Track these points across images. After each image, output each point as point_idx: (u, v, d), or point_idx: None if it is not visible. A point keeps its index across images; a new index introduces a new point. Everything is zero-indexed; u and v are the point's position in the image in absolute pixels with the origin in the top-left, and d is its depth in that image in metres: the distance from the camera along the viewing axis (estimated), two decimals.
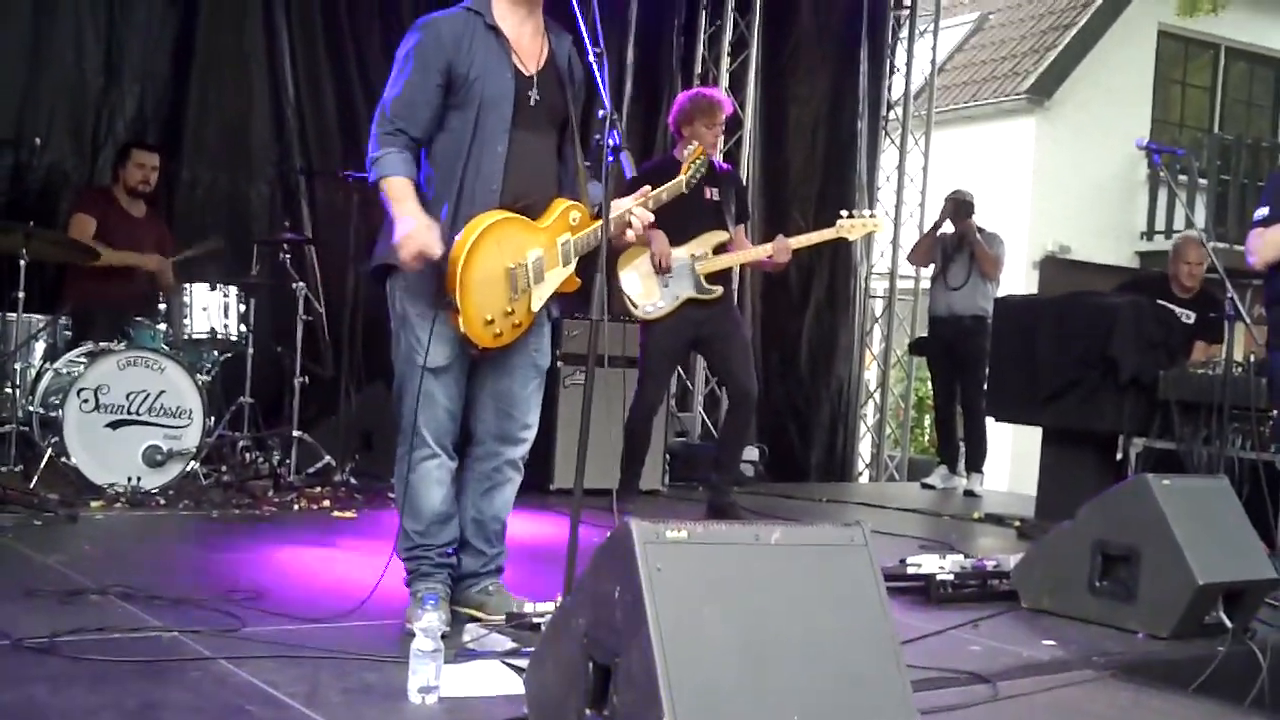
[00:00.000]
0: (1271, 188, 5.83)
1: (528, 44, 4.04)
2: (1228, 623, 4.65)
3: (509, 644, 3.69)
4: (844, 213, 6.59)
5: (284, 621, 3.97)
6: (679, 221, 6.34)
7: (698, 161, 4.50)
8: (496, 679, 3.39)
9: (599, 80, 3.74)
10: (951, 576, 5.11)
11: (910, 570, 5.16)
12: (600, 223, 3.74)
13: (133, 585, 4.23)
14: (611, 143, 3.66)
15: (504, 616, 3.99)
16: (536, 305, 4.01)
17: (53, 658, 3.40)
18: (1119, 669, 4.24)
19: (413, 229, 3.80)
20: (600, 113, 3.71)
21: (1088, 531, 4.94)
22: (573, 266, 4.06)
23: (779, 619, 2.69)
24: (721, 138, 9.40)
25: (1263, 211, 5.57)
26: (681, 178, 4.41)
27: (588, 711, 2.75)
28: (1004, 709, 3.72)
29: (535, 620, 3.87)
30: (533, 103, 3.99)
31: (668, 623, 2.57)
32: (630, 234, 4.14)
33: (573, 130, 4.13)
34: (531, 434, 4.27)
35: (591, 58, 3.77)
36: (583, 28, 3.79)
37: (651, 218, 4.16)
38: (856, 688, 2.68)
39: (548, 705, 2.97)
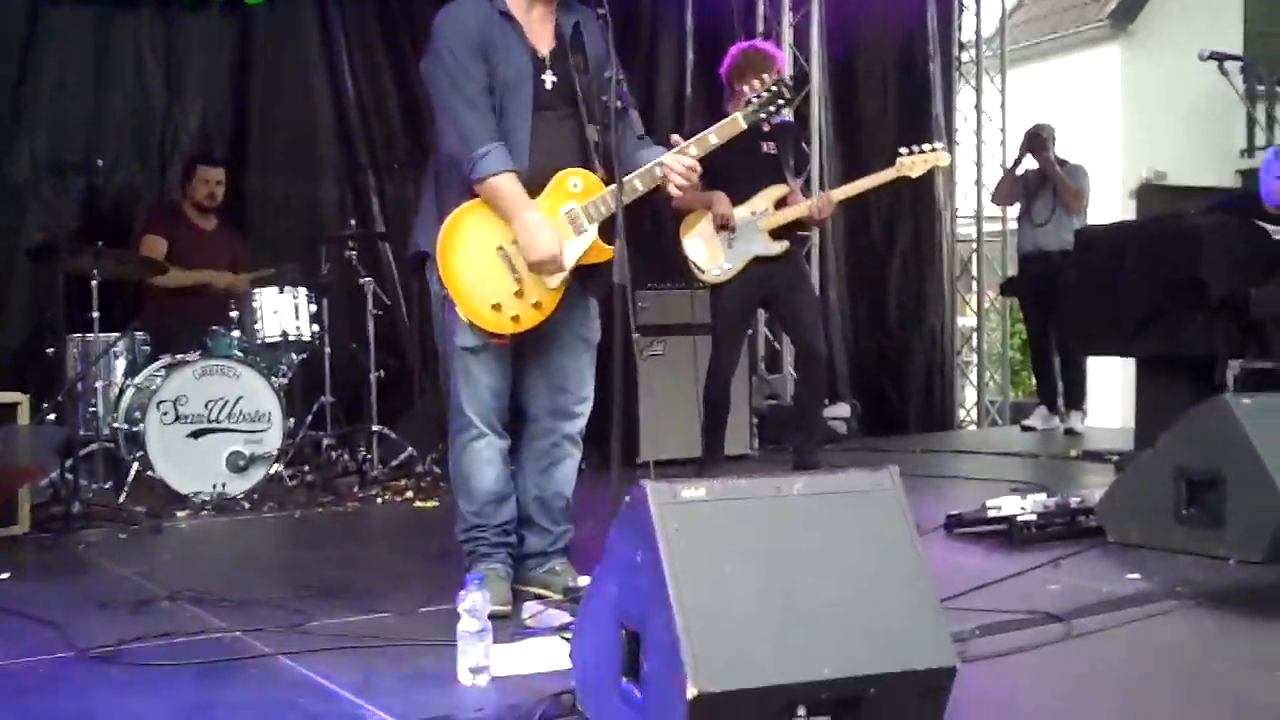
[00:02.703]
0: None
1: (537, 27, 4.03)
2: None
3: (566, 618, 3.66)
4: (903, 150, 6.34)
5: (349, 614, 3.98)
6: (737, 179, 6.24)
7: (760, 98, 4.20)
8: (549, 655, 3.36)
9: (606, 42, 3.71)
10: (1034, 517, 4.99)
11: (990, 514, 5.05)
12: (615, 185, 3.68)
13: (206, 590, 4.27)
14: (619, 104, 3.61)
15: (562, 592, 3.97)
16: (554, 281, 3.94)
17: (114, 666, 3.44)
18: (1205, 597, 4.10)
19: (547, 238, 3.86)
20: (607, 74, 3.67)
21: (1170, 459, 4.79)
22: (592, 233, 3.96)
23: (805, 571, 2.62)
24: None
25: None
26: (738, 114, 4.16)
27: (624, 680, 2.70)
28: (1077, 646, 3.59)
29: None
30: (549, 85, 3.98)
31: (688, 584, 2.52)
32: (672, 188, 4.02)
33: (596, 102, 3.98)
34: (587, 407, 4.23)
35: (596, 20, 3.73)
36: None
37: (694, 163, 4.00)
38: (889, 634, 2.59)
39: (590, 676, 2.94)
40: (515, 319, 3.92)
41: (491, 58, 3.91)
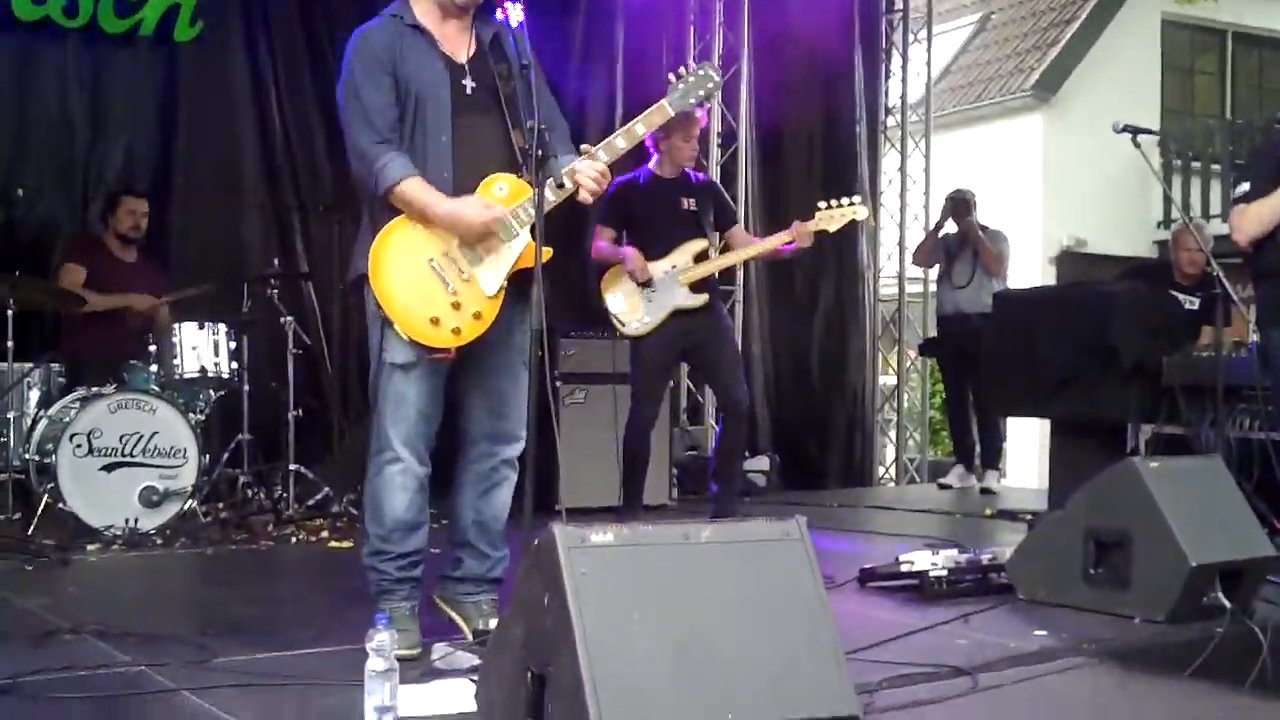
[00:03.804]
0: (1252, 164, 5.74)
1: (452, 37, 4.05)
2: (1226, 603, 4.55)
3: (475, 660, 3.64)
4: (822, 204, 6.41)
5: (256, 650, 3.94)
6: (657, 233, 6.32)
7: (686, 83, 4.15)
8: (457, 697, 3.34)
9: (530, 84, 3.76)
10: (945, 572, 5.03)
11: (903, 568, 5.09)
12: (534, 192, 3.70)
13: (110, 624, 4.20)
14: (539, 151, 3.65)
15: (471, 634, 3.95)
16: (491, 288, 3.91)
17: (11, 698, 3.38)
18: (1110, 655, 4.15)
19: (469, 208, 3.86)
20: (530, 123, 3.71)
21: (1079, 519, 4.86)
22: (524, 237, 3.92)
23: (710, 618, 2.64)
24: (715, 151, 9.48)
25: (1244, 187, 5.47)
26: (664, 101, 4.11)
27: None
28: (982, 700, 3.63)
29: None
30: (469, 90, 4.00)
31: (594, 628, 2.53)
32: (584, 195, 3.96)
33: (518, 103, 3.98)
34: (524, 431, 4.15)
35: (518, 70, 3.79)
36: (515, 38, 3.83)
37: (604, 168, 3.96)
38: (793, 682, 2.62)
39: (496, 718, 2.93)
40: (456, 331, 3.87)
41: (402, 70, 3.92)
